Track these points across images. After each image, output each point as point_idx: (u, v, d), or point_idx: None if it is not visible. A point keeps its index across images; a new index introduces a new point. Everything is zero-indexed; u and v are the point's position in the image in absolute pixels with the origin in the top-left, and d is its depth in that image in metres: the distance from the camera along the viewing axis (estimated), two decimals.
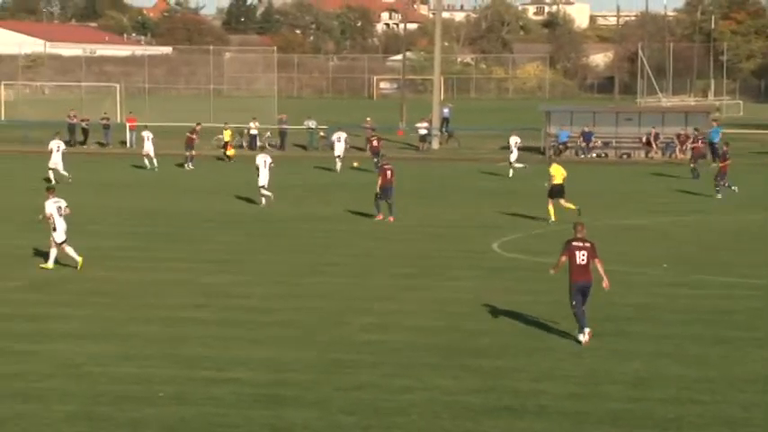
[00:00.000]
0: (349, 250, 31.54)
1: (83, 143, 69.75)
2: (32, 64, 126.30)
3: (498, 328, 21.92)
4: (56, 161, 48.76)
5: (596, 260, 20.81)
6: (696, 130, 59.31)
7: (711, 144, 59.63)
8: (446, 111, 74.52)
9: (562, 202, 37.24)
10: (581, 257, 20.65)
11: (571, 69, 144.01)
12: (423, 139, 69.02)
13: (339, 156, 55.30)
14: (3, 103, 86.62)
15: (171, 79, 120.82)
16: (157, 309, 23.56)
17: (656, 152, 63.59)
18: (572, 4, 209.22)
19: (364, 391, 17.70)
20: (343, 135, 56.58)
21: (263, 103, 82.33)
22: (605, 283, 21.00)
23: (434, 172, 56.08)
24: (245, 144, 68.37)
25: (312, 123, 68.94)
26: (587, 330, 20.68)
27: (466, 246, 32.39)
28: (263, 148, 41.53)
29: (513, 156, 53.75)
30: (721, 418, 16.54)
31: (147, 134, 56.57)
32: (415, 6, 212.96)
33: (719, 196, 43.84)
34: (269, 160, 41.28)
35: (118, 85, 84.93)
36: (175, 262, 29.17)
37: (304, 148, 68.35)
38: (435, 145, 69.90)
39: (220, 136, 69.12)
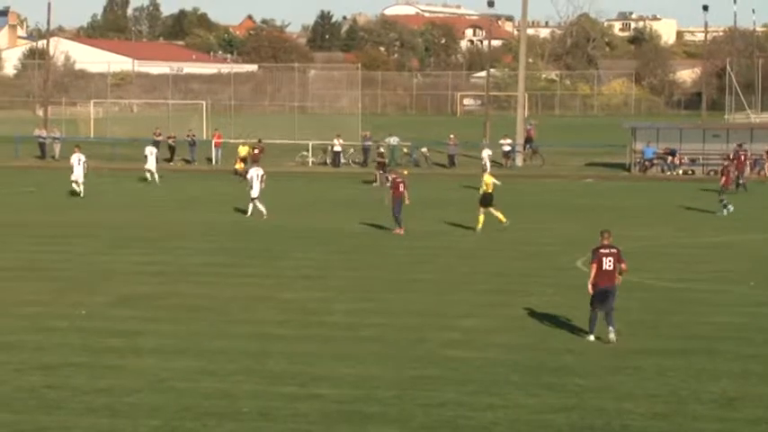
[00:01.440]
0: (430, 266, 31.52)
1: (169, 160, 70.64)
2: (121, 82, 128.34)
3: (581, 347, 21.75)
4: (78, 174, 49.86)
5: (622, 265, 21.90)
6: (739, 146, 58.92)
7: None
8: (530, 127, 74.32)
9: (492, 210, 38.11)
10: (608, 263, 21.81)
11: (657, 86, 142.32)
12: (506, 155, 68.87)
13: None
14: (92, 121, 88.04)
15: (256, 96, 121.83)
16: (241, 324, 23.74)
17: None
18: (659, 19, 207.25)
19: (447, 408, 17.66)
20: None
21: (346, 120, 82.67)
22: (618, 281, 22.02)
23: (518, 189, 55.75)
24: (328, 161, 68.83)
25: (394, 140, 69.16)
26: (592, 337, 21.85)
27: (550, 263, 32.20)
28: (255, 161, 42.55)
29: (487, 169, 53.57)
30: None
31: (151, 149, 58.47)
32: (499, 23, 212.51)
33: (725, 212, 43.35)
34: (261, 173, 42.40)
35: (204, 103, 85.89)
36: (258, 278, 29.37)
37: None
38: (519, 162, 69.70)
39: (305, 153, 69.84)
